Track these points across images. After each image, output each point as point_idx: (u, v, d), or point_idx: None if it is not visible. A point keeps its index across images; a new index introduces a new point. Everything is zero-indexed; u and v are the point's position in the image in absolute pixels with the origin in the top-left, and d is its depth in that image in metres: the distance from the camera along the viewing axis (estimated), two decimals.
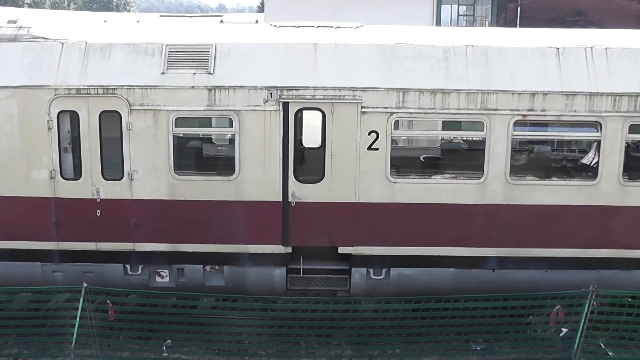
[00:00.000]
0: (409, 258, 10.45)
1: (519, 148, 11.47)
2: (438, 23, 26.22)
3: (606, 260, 10.65)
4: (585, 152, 10.93)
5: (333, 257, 10.59)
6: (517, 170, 10.50)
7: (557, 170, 11.11)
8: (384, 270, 10.55)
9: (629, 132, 10.31)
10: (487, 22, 27.95)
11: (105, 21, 11.52)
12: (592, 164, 10.51)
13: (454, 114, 10.09)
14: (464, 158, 11.50)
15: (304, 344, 10.67)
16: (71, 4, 74.99)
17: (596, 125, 10.26)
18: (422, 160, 11.75)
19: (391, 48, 10.21)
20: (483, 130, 10.14)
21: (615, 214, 10.46)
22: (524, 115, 10.14)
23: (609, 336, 10.58)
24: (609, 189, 10.37)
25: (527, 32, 11.18)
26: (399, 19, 22.51)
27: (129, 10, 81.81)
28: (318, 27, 10.75)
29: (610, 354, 10.64)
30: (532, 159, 11.53)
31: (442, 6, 26.74)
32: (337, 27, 10.78)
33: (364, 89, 9.98)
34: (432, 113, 10.09)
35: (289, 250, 10.48)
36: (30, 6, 65.53)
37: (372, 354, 10.48)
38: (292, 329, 10.56)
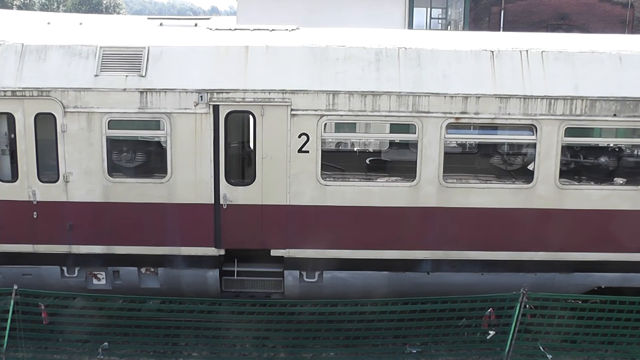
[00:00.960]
0: (342, 261, 10.41)
1: (453, 151, 11.43)
2: (410, 26, 26.14)
3: (545, 263, 10.60)
4: (521, 155, 10.85)
5: (268, 259, 10.57)
6: (451, 173, 10.45)
7: (493, 172, 11.05)
8: (317, 273, 10.51)
9: (565, 135, 10.26)
10: (460, 26, 27.86)
11: (48, 23, 11.56)
12: (528, 167, 10.44)
13: (385, 116, 10.05)
14: (401, 160, 11.45)
15: (239, 346, 10.66)
16: (60, 6, 75.42)
17: (531, 128, 10.20)
18: (356, 162, 11.70)
19: (322, 50, 10.18)
20: (416, 133, 10.11)
21: (552, 217, 10.40)
22: (457, 118, 10.09)
23: (544, 339, 10.54)
24: (545, 192, 10.31)
25: (464, 35, 11.14)
26: (370, 21, 22.53)
27: (118, 13, 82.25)
28: (254, 30, 10.74)
29: (548, 357, 10.58)
30: (467, 162, 11.49)
31: (416, 9, 26.66)
32: (273, 29, 10.77)
33: (293, 92, 9.96)
34: (363, 115, 10.06)
35: (222, 252, 10.46)
36: (19, 8, 65.92)
37: (306, 357, 10.45)
38: (228, 332, 10.57)
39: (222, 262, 10.55)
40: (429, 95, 9.98)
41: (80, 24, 11.64)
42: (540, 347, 10.67)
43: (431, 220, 10.29)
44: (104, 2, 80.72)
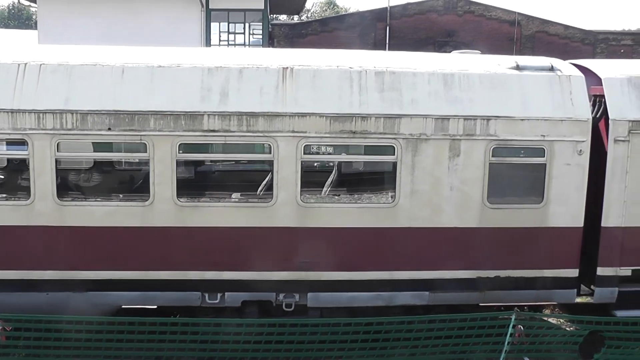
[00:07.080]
0: None
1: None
2: (207, 42, 25.77)
3: (59, 282, 10.31)
4: (19, 171, 10.64)
5: None
6: None
7: None
8: None
9: (58, 150, 10.05)
10: (260, 41, 27.25)
11: None
12: (26, 183, 10.24)
13: None
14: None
15: None
16: None
17: (24, 143, 10.02)
18: None
19: None
20: None
21: (52, 234, 10.16)
22: None
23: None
24: (44, 208, 10.09)
25: None
26: (170, 36, 22.51)
27: None
28: None
29: None
30: None
31: (213, 24, 26.22)
32: None
33: None
34: None
35: None
36: None
37: None
38: None
39: None
40: None
41: None
42: None
43: None
44: (34, 17, 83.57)
